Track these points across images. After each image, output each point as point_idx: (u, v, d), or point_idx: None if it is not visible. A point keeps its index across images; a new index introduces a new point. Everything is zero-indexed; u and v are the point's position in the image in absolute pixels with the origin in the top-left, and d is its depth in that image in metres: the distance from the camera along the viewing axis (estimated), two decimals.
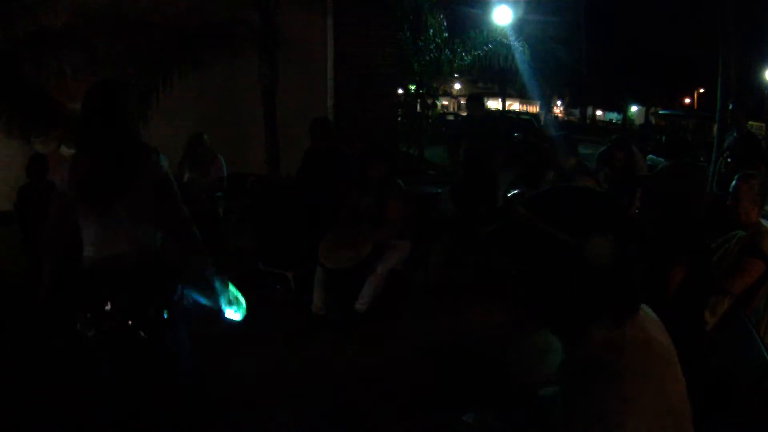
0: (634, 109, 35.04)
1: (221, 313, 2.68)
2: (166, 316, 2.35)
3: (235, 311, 2.69)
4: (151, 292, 2.34)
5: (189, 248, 2.45)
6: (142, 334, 2.28)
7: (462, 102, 42.18)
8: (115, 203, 2.27)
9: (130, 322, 2.28)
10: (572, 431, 1.02)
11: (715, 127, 8.84)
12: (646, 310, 1.13)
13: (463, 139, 6.66)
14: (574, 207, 1.09)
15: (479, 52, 12.37)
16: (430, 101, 13.77)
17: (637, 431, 0.96)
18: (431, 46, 12.33)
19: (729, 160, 6.09)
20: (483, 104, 7.34)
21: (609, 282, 1.05)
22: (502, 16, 13.22)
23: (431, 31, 12.13)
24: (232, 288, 2.69)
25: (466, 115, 7.52)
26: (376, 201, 4.30)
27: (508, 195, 4.87)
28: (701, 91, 27.33)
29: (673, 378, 1.08)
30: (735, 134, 6.25)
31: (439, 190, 6.56)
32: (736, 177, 3.14)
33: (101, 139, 2.30)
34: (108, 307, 2.27)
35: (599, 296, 1.05)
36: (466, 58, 12.48)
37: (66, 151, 6.39)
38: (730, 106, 6.51)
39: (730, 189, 3.12)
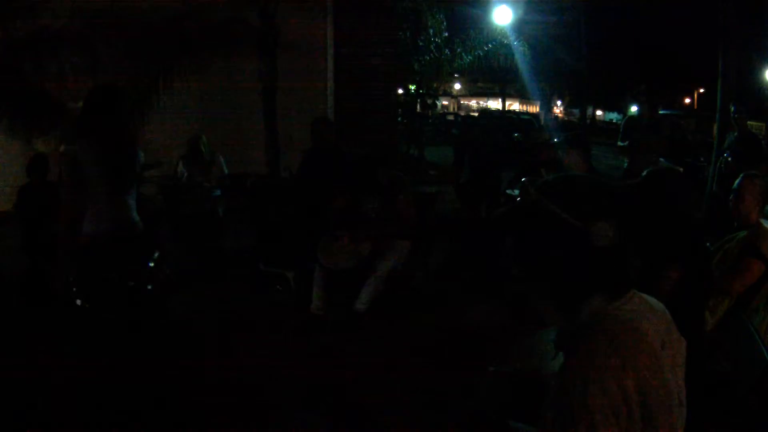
0: (634, 109, 35.02)
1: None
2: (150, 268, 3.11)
3: None
4: (137, 255, 3.02)
5: None
6: (132, 284, 2.97)
7: (462, 102, 42.23)
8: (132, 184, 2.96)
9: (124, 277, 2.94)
10: (554, 397, 1.10)
11: (715, 127, 8.83)
12: (651, 301, 1.22)
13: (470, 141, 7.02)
14: (583, 193, 1.21)
15: (479, 52, 12.37)
16: (430, 101, 13.76)
17: (597, 410, 1.02)
18: (431, 46, 12.33)
19: (729, 159, 6.10)
20: (478, 125, 7.76)
21: (606, 261, 1.16)
22: (502, 16, 13.20)
23: (431, 31, 12.12)
24: None
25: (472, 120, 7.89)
26: (384, 201, 4.30)
27: (522, 181, 4.80)
28: (701, 91, 27.33)
29: (652, 367, 1.09)
30: (735, 134, 6.26)
31: (439, 190, 6.57)
32: (741, 175, 3.14)
33: (107, 132, 2.86)
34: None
35: (597, 273, 1.16)
36: (466, 58, 12.48)
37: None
38: (732, 108, 6.51)
39: (734, 186, 3.13)
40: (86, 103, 2.90)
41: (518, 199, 1.27)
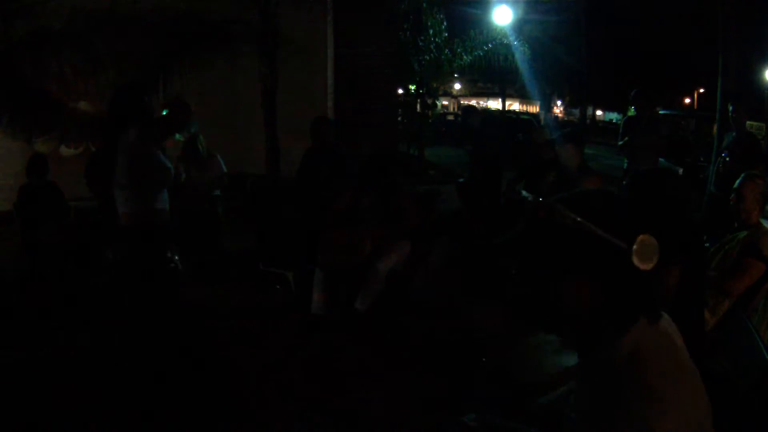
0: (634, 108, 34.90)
1: None
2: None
3: None
4: (143, 241, 3.24)
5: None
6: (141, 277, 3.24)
7: (462, 102, 42.23)
8: (111, 183, 3.17)
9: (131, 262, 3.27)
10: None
11: (715, 127, 8.83)
12: (665, 316, 1.15)
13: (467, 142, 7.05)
14: (624, 213, 1.10)
15: (479, 52, 12.36)
16: (430, 101, 13.73)
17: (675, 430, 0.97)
18: (431, 46, 12.31)
19: (727, 159, 6.08)
20: (478, 114, 7.66)
21: (649, 282, 1.07)
22: (502, 16, 13.21)
23: (431, 31, 12.12)
24: None
25: (466, 123, 7.76)
26: (380, 202, 4.30)
27: (526, 197, 4.81)
28: (701, 91, 27.32)
29: (691, 377, 1.09)
30: (734, 134, 6.25)
31: (439, 190, 6.56)
32: (742, 175, 3.14)
33: (113, 133, 3.13)
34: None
35: (640, 296, 1.07)
36: (466, 58, 12.47)
37: (66, 150, 6.39)
38: (730, 107, 6.51)
39: (735, 186, 3.12)
40: (110, 101, 3.26)
41: (526, 219, 1.12)
